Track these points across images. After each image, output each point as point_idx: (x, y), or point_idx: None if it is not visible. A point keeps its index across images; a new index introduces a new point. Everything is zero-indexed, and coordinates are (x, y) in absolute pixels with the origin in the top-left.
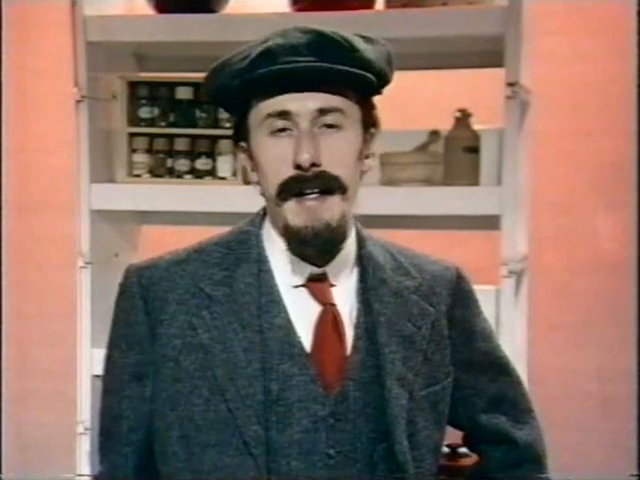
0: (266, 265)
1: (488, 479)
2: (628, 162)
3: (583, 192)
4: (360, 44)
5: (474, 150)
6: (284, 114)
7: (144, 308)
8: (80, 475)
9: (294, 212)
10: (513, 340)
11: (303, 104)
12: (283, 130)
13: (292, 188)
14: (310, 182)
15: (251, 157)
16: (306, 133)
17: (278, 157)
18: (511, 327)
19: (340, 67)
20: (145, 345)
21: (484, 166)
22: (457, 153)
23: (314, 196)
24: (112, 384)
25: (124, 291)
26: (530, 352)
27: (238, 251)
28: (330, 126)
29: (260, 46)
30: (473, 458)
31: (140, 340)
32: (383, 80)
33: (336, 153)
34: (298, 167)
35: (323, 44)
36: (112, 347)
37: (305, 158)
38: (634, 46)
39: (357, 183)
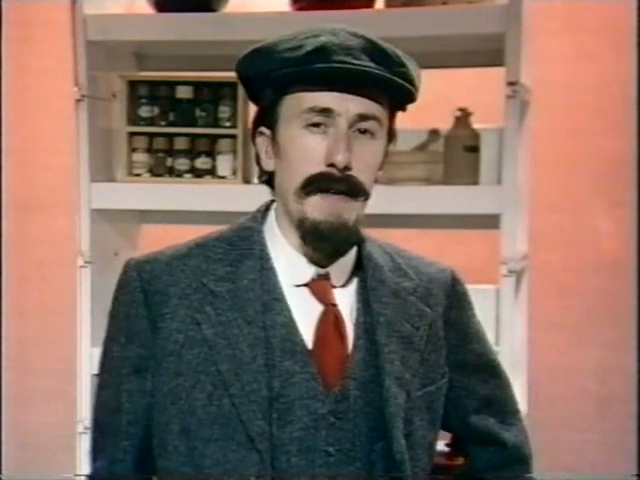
0: (268, 263)
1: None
2: (628, 161)
3: (583, 191)
4: (405, 59)
5: (474, 149)
6: (326, 111)
7: (144, 302)
8: (80, 475)
9: (316, 206)
10: (513, 340)
11: (346, 105)
12: (317, 125)
13: (319, 184)
14: (338, 182)
15: (273, 145)
16: (345, 134)
17: (309, 151)
18: (511, 326)
19: (398, 79)
20: (146, 339)
21: (484, 165)
22: (457, 152)
23: (338, 196)
24: (110, 378)
25: (124, 285)
26: (530, 351)
27: (241, 247)
28: (363, 132)
29: (313, 39)
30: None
31: (140, 334)
32: (415, 98)
33: (366, 160)
34: (330, 165)
35: (376, 51)
36: (110, 341)
37: (341, 159)
38: (634, 46)
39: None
